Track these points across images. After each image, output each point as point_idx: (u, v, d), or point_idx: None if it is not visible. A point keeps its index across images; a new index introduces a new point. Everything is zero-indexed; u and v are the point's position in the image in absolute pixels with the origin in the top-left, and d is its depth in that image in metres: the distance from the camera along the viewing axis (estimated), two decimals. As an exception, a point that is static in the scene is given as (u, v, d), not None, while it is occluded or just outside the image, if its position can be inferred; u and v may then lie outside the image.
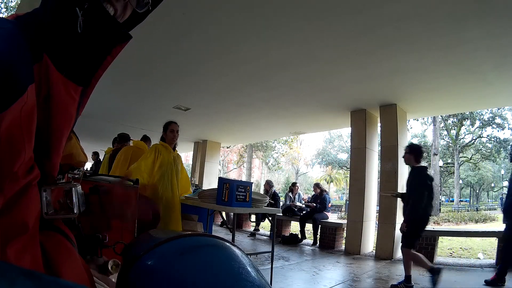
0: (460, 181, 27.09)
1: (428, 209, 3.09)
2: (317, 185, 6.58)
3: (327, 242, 5.59)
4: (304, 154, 34.86)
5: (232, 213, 5.24)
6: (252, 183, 2.98)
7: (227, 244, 0.58)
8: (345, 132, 29.12)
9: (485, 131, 22.62)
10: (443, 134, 22.96)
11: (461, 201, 28.64)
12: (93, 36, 0.51)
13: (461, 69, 3.73)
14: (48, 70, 0.47)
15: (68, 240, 0.55)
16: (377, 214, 5.20)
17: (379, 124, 5.38)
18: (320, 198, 6.18)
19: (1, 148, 0.38)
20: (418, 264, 3.07)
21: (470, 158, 25.87)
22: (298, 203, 6.63)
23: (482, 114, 21.20)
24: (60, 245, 0.52)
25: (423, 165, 3.30)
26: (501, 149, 22.35)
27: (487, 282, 3.20)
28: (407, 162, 3.32)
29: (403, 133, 5.17)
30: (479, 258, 4.87)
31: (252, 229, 7.12)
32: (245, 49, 3.61)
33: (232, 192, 2.57)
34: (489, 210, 20.53)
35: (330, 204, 6.63)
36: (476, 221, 12.43)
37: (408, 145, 3.36)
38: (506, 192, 3.47)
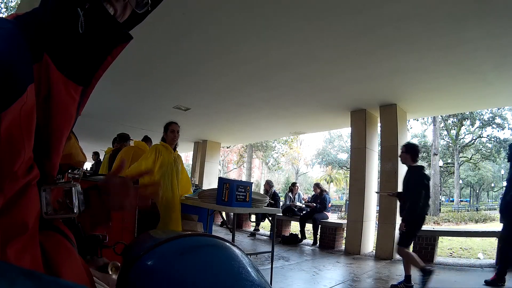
0: (460, 181, 27.09)
1: (425, 209, 3.11)
2: (317, 185, 6.58)
3: (327, 242, 5.59)
4: (304, 154, 34.91)
5: (232, 213, 5.24)
6: (252, 183, 2.98)
7: (227, 244, 0.58)
8: (345, 132, 29.16)
9: (485, 131, 22.62)
10: (443, 134, 22.96)
11: (461, 201, 28.64)
12: (94, 36, 0.51)
13: (461, 69, 3.73)
14: (48, 70, 0.47)
15: (68, 240, 0.55)
16: (377, 214, 5.20)
17: (379, 124, 5.39)
18: (320, 198, 6.18)
19: (1, 148, 0.38)
20: (411, 262, 3.10)
21: (470, 158, 25.86)
22: (298, 203, 6.63)
23: (482, 114, 21.20)
24: (59, 245, 0.52)
25: (419, 164, 3.32)
26: (501, 149, 22.32)
27: (487, 282, 3.20)
28: (403, 162, 3.34)
29: (403, 133, 5.17)
30: (479, 258, 4.87)
31: (252, 229, 7.12)
32: (245, 49, 3.61)
33: (232, 192, 2.57)
34: (489, 210, 20.52)
35: (330, 204, 6.63)
36: (476, 221, 12.42)
37: (404, 145, 3.38)
38: (503, 192, 3.48)
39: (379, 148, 5.31)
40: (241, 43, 3.48)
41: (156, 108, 6.25)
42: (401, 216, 3.23)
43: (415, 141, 24.78)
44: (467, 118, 21.28)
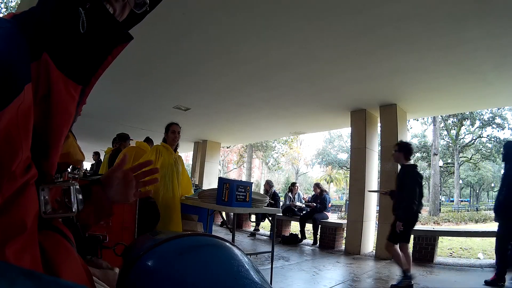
0: (460, 181, 27.08)
1: (419, 207, 3.13)
2: (317, 185, 6.58)
3: (327, 242, 5.58)
4: (304, 154, 34.90)
5: (232, 213, 5.24)
6: (252, 183, 2.98)
7: (227, 244, 0.57)
8: (345, 132, 29.15)
9: (485, 131, 22.61)
10: (443, 134, 22.95)
11: (461, 201, 28.63)
12: (95, 35, 0.51)
13: (461, 69, 3.73)
14: (48, 69, 0.47)
15: (67, 240, 0.55)
16: (377, 214, 5.20)
17: (379, 124, 5.38)
18: (320, 198, 6.18)
19: None
20: (396, 261, 3.14)
21: (470, 158, 25.85)
22: (298, 203, 6.63)
23: (482, 114, 21.19)
24: (59, 245, 0.52)
25: (412, 163, 3.32)
26: (501, 149, 22.29)
27: (487, 282, 3.20)
28: (396, 160, 3.34)
29: (403, 133, 5.16)
30: (479, 258, 4.87)
31: (252, 229, 7.11)
32: (245, 49, 3.61)
33: (232, 192, 2.57)
34: (489, 210, 20.48)
35: (330, 204, 6.63)
36: (476, 221, 12.43)
37: (397, 143, 3.39)
38: (497, 191, 3.49)
39: (379, 148, 5.31)
40: (241, 43, 3.48)
41: (156, 108, 6.25)
42: (394, 214, 3.24)
43: (415, 141, 24.82)
44: (467, 118, 21.27)
